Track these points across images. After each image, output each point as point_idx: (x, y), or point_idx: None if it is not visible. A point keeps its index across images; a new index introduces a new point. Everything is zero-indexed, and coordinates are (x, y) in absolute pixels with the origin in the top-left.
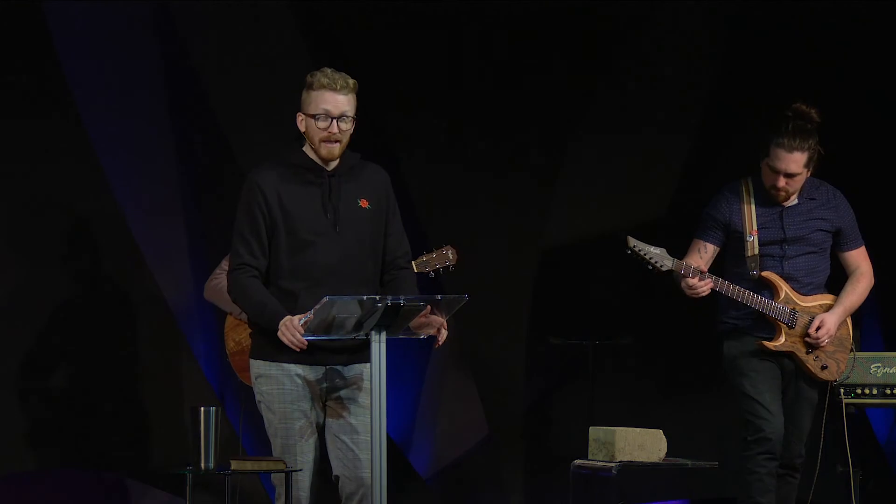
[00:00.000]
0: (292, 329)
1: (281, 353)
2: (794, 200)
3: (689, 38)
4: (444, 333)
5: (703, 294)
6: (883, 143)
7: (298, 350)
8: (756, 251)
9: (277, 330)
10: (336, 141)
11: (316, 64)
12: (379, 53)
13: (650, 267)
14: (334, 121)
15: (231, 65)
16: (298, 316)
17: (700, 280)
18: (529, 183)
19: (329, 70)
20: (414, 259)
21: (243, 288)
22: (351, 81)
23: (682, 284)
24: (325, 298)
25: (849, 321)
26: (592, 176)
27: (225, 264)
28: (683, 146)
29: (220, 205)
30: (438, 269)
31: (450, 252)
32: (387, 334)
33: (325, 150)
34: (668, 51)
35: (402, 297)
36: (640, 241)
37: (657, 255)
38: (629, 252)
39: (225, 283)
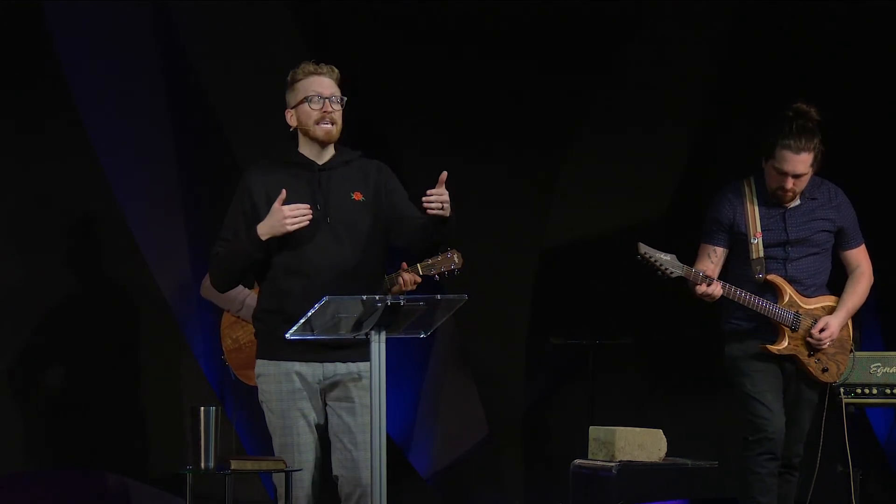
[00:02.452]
0: (279, 210)
1: (281, 351)
2: (796, 201)
3: (689, 38)
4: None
5: (716, 297)
6: (883, 143)
7: (306, 217)
8: (761, 254)
9: (262, 242)
10: (332, 122)
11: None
12: (379, 54)
13: (660, 273)
14: (326, 100)
15: (231, 65)
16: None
17: (708, 287)
18: (529, 183)
19: (310, 61)
20: (419, 262)
21: (216, 260)
22: (335, 69)
23: (696, 291)
24: (325, 299)
25: (849, 322)
26: (592, 176)
27: None
28: (683, 146)
29: (220, 204)
30: (444, 272)
31: (455, 256)
32: (386, 333)
33: (322, 131)
34: (668, 51)
35: (401, 297)
36: (651, 248)
37: (667, 262)
38: (639, 258)
39: None
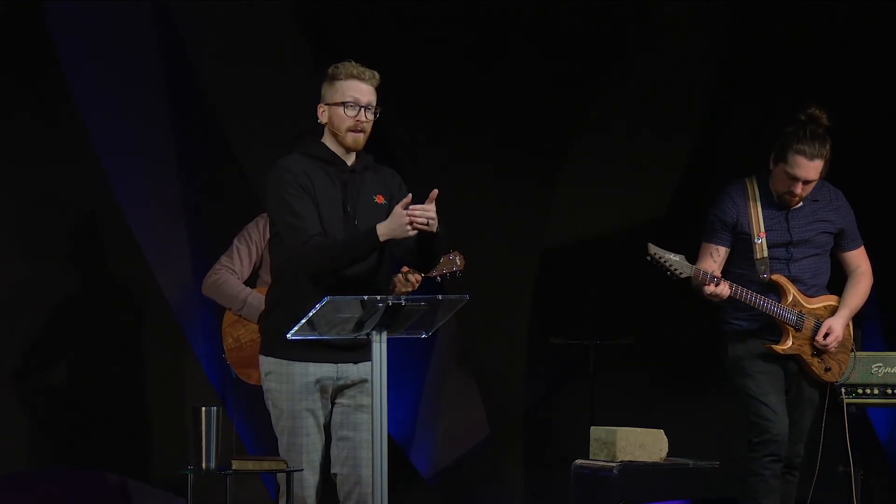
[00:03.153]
0: (402, 214)
1: (291, 350)
2: (800, 202)
3: (690, 38)
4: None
5: (725, 297)
6: (883, 144)
7: (429, 221)
8: (765, 254)
9: (379, 243)
10: (362, 131)
11: (317, 64)
12: (379, 54)
13: (669, 273)
14: (362, 109)
15: (231, 65)
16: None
17: (716, 287)
18: (530, 183)
19: (354, 62)
20: None
21: (324, 246)
22: (377, 75)
23: (704, 291)
24: (326, 299)
25: (850, 322)
26: (593, 176)
27: (224, 260)
28: (683, 146)
29: (221, 204)
30: (445, 274)
31: (457, 258)
32: (388, 334)
33: (351, 139)
34: (669, 50)
35: (402, 298)
36: (661, 249)
37: (677, 263)
38: (649, 259)
39: (221, 277)
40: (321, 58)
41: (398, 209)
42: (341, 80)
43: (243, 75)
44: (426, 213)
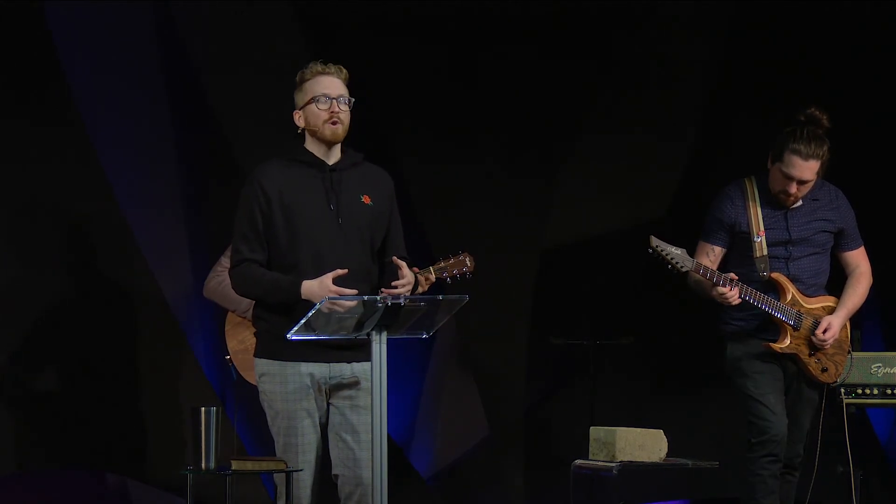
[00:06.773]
0: (329, 288)
1: (284, 351)
2: (798, 202)
3: (690, 38)
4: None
5: (734, 303)
6: (883, 144)
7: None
8: (765, 252)
9: (299, 299)
10: (339, 122)
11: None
12: (380, 54)
13: (670, 266)
14: (334, 101)
15: (231, 65)
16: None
17: (729, 290)
18: (530, 183)
19: (318, 61)
20: (432, 265)
21: (250, 277)
22: (343, 69)
23: (715, 290)
24: (325, 299)
25: (847, 323)
26: (592, 176)
27: (224, 261)
28: (683, 146)
29: (221, 204)
30: (456, 275)
31: (467, 259)
32: (388, 334)
33: (329, 131)
34: (669, 50)
35: (401, 298)
36: (663, 241)
37: (678, 256)
38: (650, 251)
39: (224, 279)
40: (322, 58)
41: (328, 280)
42: (308, 80)
43: (243, 75)
44: (399, 291)
